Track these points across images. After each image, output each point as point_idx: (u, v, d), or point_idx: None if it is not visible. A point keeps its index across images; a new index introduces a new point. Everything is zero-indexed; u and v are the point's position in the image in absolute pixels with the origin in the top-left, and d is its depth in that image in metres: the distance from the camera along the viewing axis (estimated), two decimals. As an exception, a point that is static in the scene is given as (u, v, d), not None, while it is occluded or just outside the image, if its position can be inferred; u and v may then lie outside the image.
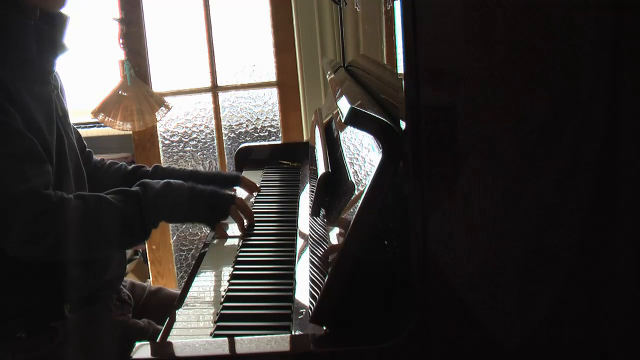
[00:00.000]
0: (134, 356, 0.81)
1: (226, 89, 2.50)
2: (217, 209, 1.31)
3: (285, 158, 1.90)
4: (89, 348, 1.21)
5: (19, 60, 1.15)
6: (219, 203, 1.30)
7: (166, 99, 2.39)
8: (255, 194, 1.58)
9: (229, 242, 1.30)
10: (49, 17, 1.21)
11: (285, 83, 2.44)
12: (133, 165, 1.55)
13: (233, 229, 1.34)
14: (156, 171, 1.51)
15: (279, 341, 0.82)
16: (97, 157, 1.52)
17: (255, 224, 1.36)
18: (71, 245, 1.12)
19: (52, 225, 1.09)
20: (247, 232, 1.31)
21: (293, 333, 0.88)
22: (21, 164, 1.08)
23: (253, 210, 1.46)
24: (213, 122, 2.51)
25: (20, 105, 1.11)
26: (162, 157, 2.50)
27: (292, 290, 1.02)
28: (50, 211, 1.08)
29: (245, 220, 1.33)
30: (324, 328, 0.84)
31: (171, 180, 1.27)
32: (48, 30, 1.19)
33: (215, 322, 0.94)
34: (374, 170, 0.80)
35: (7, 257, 1.14)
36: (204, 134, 2.56)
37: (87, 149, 1.48)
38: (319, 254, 1.02)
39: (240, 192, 1.59)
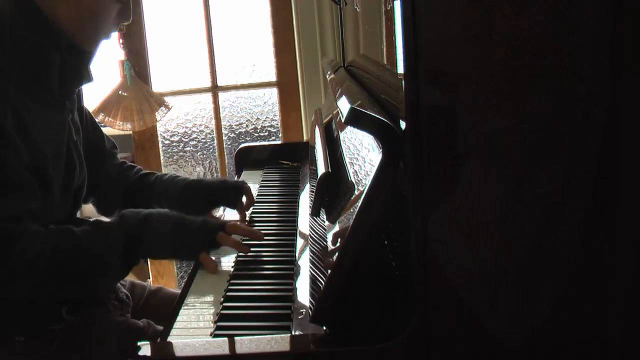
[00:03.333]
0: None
1: (226, 89, 2.50)
2: (202, 244, 1.17)
3: (285, 158, 1.90)
4: (88, 350, 1.20)
5: (39, 87, 1.14)
6: (204, 238, 1.17)
7: (166, 99, 2.39)
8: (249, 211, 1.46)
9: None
10: (76, 48, 1.18)
11: (285, 83, 2.45)
12: (141, 173, 1.50)
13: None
14: (155, 181, 1.46)
15: (279, 341, 0.82)
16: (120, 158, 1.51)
17: (255, 224, 1.37)
18: (23, 284, 1.06)
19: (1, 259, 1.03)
20: (249, 251, 1.19)
21: (293, 333, 0.88)
22: None
23: (253, 210, 1.46)
24: (213, 122, 2.51)
25: (28, 134, 1.09)
26: (162, 157, 2.50)
27: (292, 290, 1.02)
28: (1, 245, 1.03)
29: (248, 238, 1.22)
30: (324, 328, 0.84)
31: (153, 212, 1.16)
32: (73, 62, 1.18)
33: (215, 322, 0.94)
34: (374, 170, 0.80)
35: None
36: (204, 134, 2.56)
37: (114, 150, 1.48)
38: (319, 254, 1.02)
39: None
